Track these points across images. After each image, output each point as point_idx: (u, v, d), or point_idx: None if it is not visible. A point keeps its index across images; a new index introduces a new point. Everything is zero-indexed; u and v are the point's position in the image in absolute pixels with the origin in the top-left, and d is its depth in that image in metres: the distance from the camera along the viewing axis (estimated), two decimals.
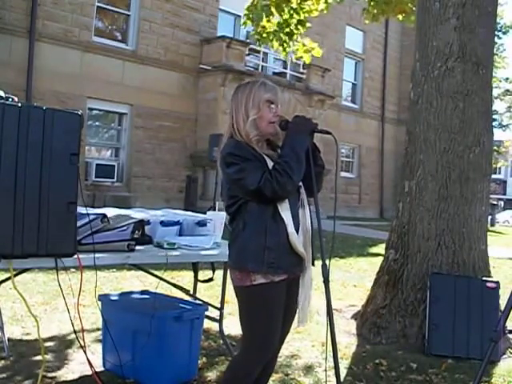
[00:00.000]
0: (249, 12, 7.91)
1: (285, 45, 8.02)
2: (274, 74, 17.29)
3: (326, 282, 2.36)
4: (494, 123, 20.18)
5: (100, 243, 2.88)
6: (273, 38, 7.93)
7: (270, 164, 2.35)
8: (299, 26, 7.94)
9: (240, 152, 2.34)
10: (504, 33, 25.93)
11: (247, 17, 7.94)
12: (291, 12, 7.81)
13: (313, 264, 2.48)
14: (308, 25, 8.15)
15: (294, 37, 8.04)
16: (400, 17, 8.41)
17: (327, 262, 2.34)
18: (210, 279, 3.91)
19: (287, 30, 7.87)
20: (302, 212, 2.43)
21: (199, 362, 3.52)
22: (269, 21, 7.82)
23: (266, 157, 2.39)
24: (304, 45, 8.34)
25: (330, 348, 2.32)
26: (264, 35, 7.95)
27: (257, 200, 2.32)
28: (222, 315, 3.80)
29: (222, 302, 3.78)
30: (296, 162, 2.32)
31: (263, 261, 2.31)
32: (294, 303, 2.45)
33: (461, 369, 3.86)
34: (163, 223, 3.62)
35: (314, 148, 2.47)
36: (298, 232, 2.38)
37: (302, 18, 7.90)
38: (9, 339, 3.60)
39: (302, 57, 8.51)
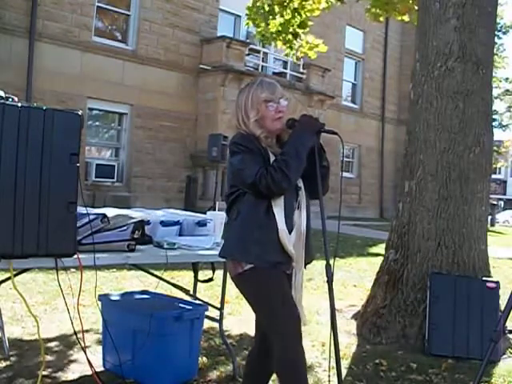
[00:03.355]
0: (250, 13, 7.91)
1: (290, 44, 8.03)
2: (274, 73, 17.28)
3: (330, 282, 2.36)
4: (494, 123, 20.17)
5: (100, 243, 2.87)
6: (276, 37, 7.94)
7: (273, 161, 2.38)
8: (301, 27, 7.94)
9: (244, 142, 2.39)
10: (504, 33, 25.98)
11: (249, 17, 7.94)
12: (293, 12, 7.81)
13: (304, 266, 2.48)
14: (310, 23, 8.16)
15: (298, 36, 8.05)
16: (406, 18, 8.38)
17: (331, 262, 2.34)
18: (210, 279, 3.91)
19: (291, 29, 7.87)
20: (297, 213, 2.43)
21: (199, 361, 3.52)
22: (274, 18, 7.82)
23: (270, 153, 2.41)
24: (308, 42, 8.34)
25: (330, 348, 2.32)
26: (267, 35, 7.96)
27: (253, 193, 2.35)
28: (221, 315, 3.79)
29: (222, 301, 3.77)
30: (295, 159, 2.34)
31: (251, 253, 2.35)
32: None
33: (461, 369, 3.85)
34: (163, 223, 3.62)
35: (320, 148, 2.48)
36: (290, 232, 2.38)
37: (303, 18, 7.90)
38: (9, 339, 3.60)
39: (307, 54, 8.52)
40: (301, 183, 2.47)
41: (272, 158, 2.39)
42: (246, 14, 8.06)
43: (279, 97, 2.48)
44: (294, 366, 2.37)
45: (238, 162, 2.37)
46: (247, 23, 8.13)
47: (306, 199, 2.49)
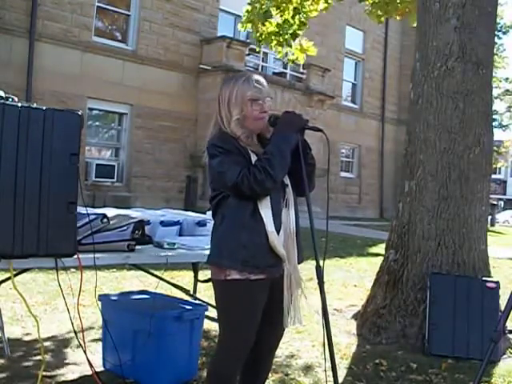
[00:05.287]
0: (248, 14, 7.87)
1: (285, 45, 7.99)
2: (274, 73, 17.29)
3: (321, 283, 2.30)
4: (494, 123, 20.17)
5: (100, 243, 2.88)
6: (273, 39, 7.90)
7: (254, 160, 2.28)
8: (301, 27, 7.92)
9: (223, 144, 2.28)
10: (504, 33, 26.01)
11: (247, 19, 7.90)
12: (293, 13, 7.78)
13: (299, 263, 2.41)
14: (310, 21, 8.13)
15: (297, 37, 8.01)
16: (399, 17, 8.40)
17: (321, 263, 2.29)
18: (210, 279, 3.90)
19: (291, 30, 7.82)
20: (285, 212, 2.33)
21: (199, 361, 3.52)
22: (269, 22, 7.79)
23: (251, 152, 2.31)
24: (301, 45, 8.27)
25: (325, 349, 2.32)
26: (263, 36, 7.92)
27: (236, 195, 2.26)
28: None
29: None
30: (279, 158, 2.24)
31: (238, 258, 2.25)
32: (280, 305, 2.36)
33: (461, 369, 3.85)
34: (163, 223, 3.63)
35: (305, 146, 2.38)
36: (278, 232, 2.29)
37: (303, 19, 7.87)
38: (9, 339, 3.60)
39: (297, 58, 8.42)
40: (287, 180, 2.37)
41: (253, 157, 2.28)
42: (244, 15, 8.00)
43: (265, 96, 2.37)
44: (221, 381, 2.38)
45: (218, 164, 2.26)
46: (243, 27, 8.05)
47: (294, 196, 2.40)
